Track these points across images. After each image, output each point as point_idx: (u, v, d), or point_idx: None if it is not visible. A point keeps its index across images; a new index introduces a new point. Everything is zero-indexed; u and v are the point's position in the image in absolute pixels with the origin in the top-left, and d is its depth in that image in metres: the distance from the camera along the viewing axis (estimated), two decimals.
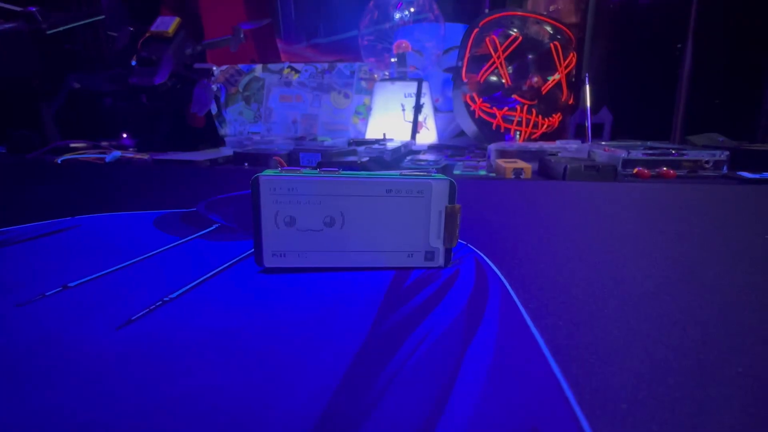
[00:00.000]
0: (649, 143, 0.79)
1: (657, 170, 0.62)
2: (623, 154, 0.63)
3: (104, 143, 1.00)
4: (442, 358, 0.16)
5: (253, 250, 0.24)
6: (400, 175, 0.24)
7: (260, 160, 0.75)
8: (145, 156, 0.83)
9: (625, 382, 0.15)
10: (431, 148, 0.97)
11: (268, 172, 0.24)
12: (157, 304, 0.20)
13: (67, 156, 0.81)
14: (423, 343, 0.17)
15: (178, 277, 0.24)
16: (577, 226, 0.36)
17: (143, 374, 0.15)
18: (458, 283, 0.23)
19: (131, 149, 0.96)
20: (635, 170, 0.62)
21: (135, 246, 0.29)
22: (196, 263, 0.26)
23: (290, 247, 0.24)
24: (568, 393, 0.14)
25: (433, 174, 0.25)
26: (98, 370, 0.15)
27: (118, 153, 0.80)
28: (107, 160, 0.77)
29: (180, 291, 0.22)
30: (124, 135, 1.10)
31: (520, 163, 0.66)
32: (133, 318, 0.19)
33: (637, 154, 0.64)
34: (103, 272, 0.24)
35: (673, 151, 0.64)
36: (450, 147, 0.98)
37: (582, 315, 0.20)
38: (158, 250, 0.28)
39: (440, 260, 0.25)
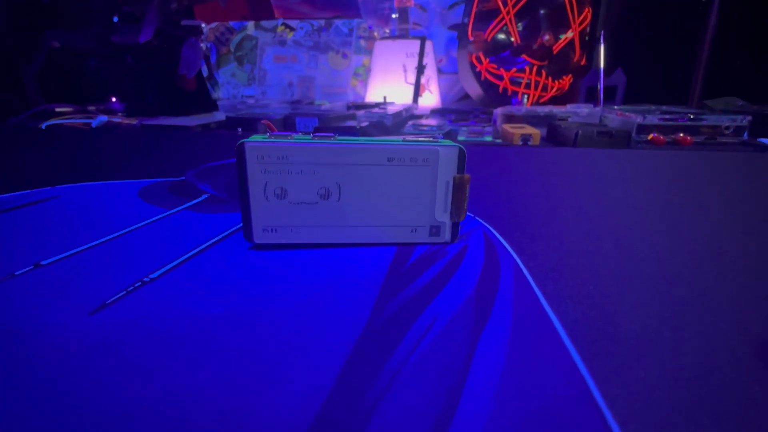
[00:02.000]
0: (664, 107, 0.75)
1: (673, 136, 0.59)
2: (638, 119, 0.60)
3: (91, 107, 0.96)
4: (451, 350, 0.14)
5: (241, 224, 0.22)
6: (403, 141, 0.22)
7: (254, 125, 0.71)
8: (134, 121, 0.79)
9: (653, 374, 0.13)
10: (434, 112, 0.92)
11: (256, 137, 0.21)
12: (136, 285, 0.19)
13: (52, 121, 0.77)
14: (429, 332, 0.15)
15: (160, 253, 0.22)
16: (590, 196, 0.34)
17: (113, 370, 0.13)
18: (466, 262, 0.21)
19: (120, 114, 0.91)
20: (650, 136, 0.59)
21: (117, 219, 0.27)
22: (180, 238, 0.24)
23: (282, 222, 0.22)
24: (594, 390, 0.13)
25: (439, 140, 0.22)
26: (62, 365, 0.14)
27: (104, 118, 0.76)
28: (93, 125, 0.74)
29: (161, 270, 0.20)
30: (113, 99, 1.05)
31: (528, 129, 0.62)
32: (107, 302, 0.17)
33: (652, 119, 0.60)
34: (79, 248, 0.22)
35: (691, 116, 0.60)
36: (453, 111, 0.94)
37: (603, 299, 0.18)
38: (141, 224, 0.26)
39: (446, 235, 0.23)
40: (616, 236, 0.25)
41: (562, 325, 0.16)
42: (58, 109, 0.90)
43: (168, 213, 0.28)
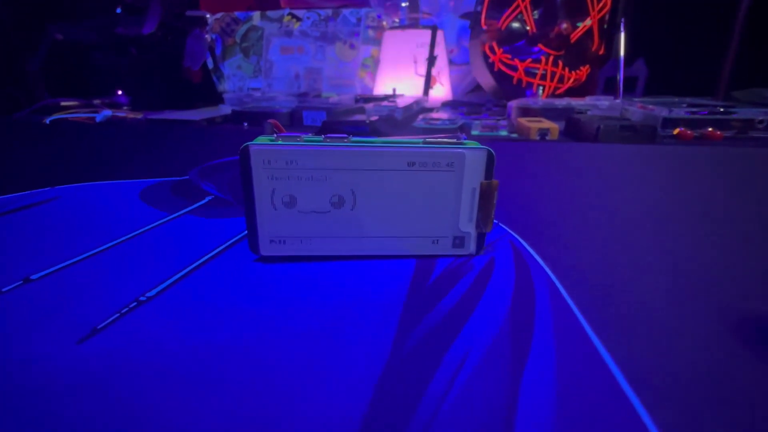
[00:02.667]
0: (688, 100, 0.71)
1: (701, 131, 0.55)
2: (664, 112, 0.57)
3: (96, 101, 0.94)
4: (491, 390, 0.12)
5: (246, 233, 0.20)
6: (424, 143, 0.20)
7: (260, 119, 0.69)
8: (139, 115, 0.78)
9: (708, 404, 0.11)
10: (445, 104, 0.89)
11: (261, 139, 0.19)
12: (131, 305, 0.17)
13: (56, 116, 0.76)
14: (464, 368, 0.13)
15: (158, 267, 0.20)
16: (618, 198, 0.31)
17: (101, 413, 0.12)
18: (496, 279, 0.19)
19: (125, 108, 0.90)
20: (676, 131, 0.56)
21: (116, 224, 0.26)
22: (181, 248, 0.22)
23: (291, 233, 0.20)
24: (648, 423, 0.11)
25: (463, 141, 0.20)
26: (44, 404, 0.12)
27: (108, 112, 0.75)
28: (98, 119, 0.72)
29: (159, 288, 0.18)
30: (120, 92, 1.04)
31: (546, 123, 0.59)
32: (98, 327, 0.15)
33: (679, 113, 0.57)
34: (73, 260, 0.21)
35: (721, 109, 0.57)
36: (465, 104, 0.91)
37: (646, 322, 0.16)
38: (140, 230, 0.25)
39: (471, 247, 0.21)
40: (656, 246, 0.22)
41: (613, 359, 0.14)
42: (63, 103, 0.88)
43: (169, 218, 0.27)
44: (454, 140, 0.20)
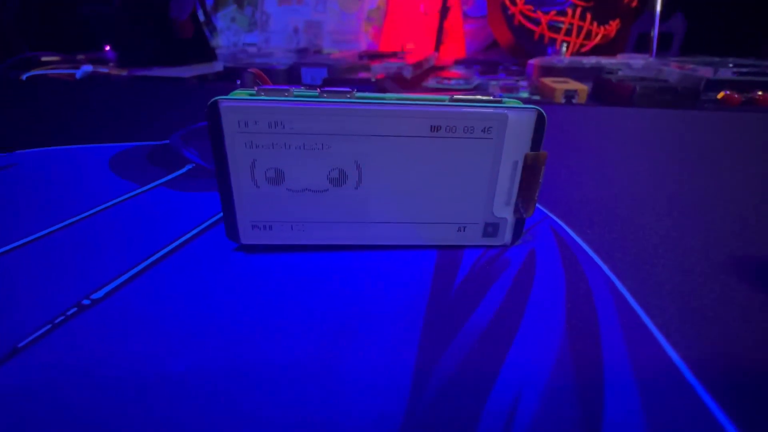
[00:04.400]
0: (730, 60, 0.64)
1: (750, 95, 0.49)
2: (709, 72, 0.50)
3: (81, 56, 0.87)
4: None
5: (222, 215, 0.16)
6: (451, 101, 0.15)
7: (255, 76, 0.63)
8: (123, 72, 0.71)
9: None
10: (458, 62, 0.82)
11: (239, 93, 0.14)
12: (69, 312, 0.13)
13: (34, 72, 0.70)
14: (517, 413, 0.10)
15: (114, 256, 0.16)
16: (665, 173, 0.27)
17: None
18: (540, 278, 0.15)
19: (110, 64, 0.83)
20: (721, 94, 0.50)
21: (73, 199, 0.21)
22: (146, 231, 0.18)
23: (278, 216, 0.16)
24: None
25: (502, 99, 0.15)
26: None
27: (89, 68, 0.69)
28: (78, 76, 0.66)
29: (110, 286, 0.14)
30: (107, 47, 0.97)
31: (573, 83, 0.53)
32: (20, 345, 0.12)
33: (725, 74, 0.50)
34: (7, 247, 0.17)
35: None
36: (479, 62, 0.83)
37: (714, 325, 0.12)
38: (100, 207, 0.20)
39: (507, 236, 0.17)
40: (719, 230, 0.18)
41: (695, 375, 0.10)
42: (44, 59, 0.82)
43: (138, 191, 0.22)
44: (490, 98, 0.15)
